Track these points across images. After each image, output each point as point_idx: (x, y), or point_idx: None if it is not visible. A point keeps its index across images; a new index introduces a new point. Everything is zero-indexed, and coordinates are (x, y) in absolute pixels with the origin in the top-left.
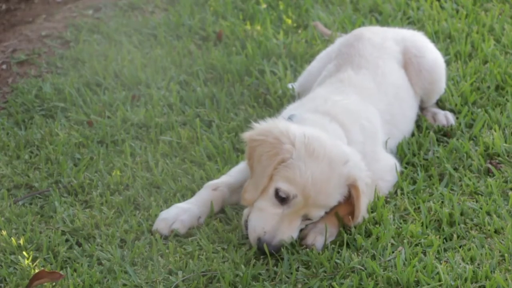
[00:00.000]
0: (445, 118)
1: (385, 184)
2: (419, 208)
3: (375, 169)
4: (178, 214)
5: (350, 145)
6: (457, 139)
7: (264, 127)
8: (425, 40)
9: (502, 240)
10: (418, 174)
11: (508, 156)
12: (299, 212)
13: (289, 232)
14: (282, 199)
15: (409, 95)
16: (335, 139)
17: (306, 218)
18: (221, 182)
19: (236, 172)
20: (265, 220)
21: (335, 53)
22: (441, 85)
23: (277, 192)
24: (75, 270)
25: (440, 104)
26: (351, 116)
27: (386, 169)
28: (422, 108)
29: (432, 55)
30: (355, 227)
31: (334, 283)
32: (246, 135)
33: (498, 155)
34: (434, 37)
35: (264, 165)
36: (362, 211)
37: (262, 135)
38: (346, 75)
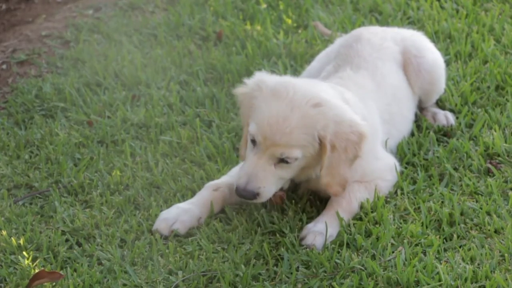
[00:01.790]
0: (445, 118)
1: (385, 184)
2: (419, 208)
3: (375, 168)
4: (179, 214)
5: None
6: (457, 139)
7: (249, 83)
8: (424, 40)
9: (502, 240)
10: (418, 174)
11: (508, 156)
12: (265, 154)
13: (263, 177)
14: (253, 142)
15: (407, 96)
16: (338, 97)
17: (279, 160)
18: (222, 182)
19: (236, 172)
20: (241, 168)
21: (334, 54)
22: (441, 85)
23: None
24: (75, 270)
25: (440, 104)
26: (353, 100)
27: (385, 168)
28: (422, 108)
29: (432, 55)
30: (354, 227)
31: (334, 283)
32: (237, 91)
33: (498, 155)
34: (434, 37)
35: (242, 114)
36: (326, 169)
37: (245, 88)
38: (346, 74)
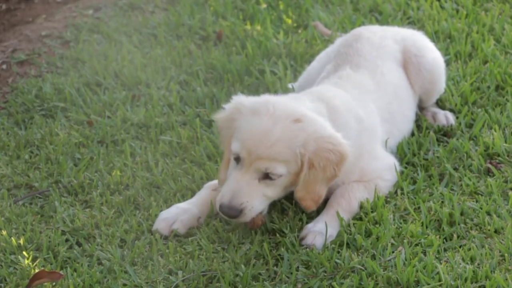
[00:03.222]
0: (445, 118)
1: (384, 184)
2: (419, 208)
3: (374, 168)
4: (178, 214)
5: (338, 128)
6: (457, 139)
7: (227, 107)
8: (425, 40)
9: (502, 240)
10: (418, 174)
11: (508, 156)
12: (249, 169)
13: (248, 192)
14: (236, 159)
15: (408, 95)
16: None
17: (263, 176)
18: None
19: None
20: (225, 186)
21: (334, 54)
22: (441, 84)
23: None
24: (75, 270)
25: (440, 104)
26: (346, 104)
27: (385, 168)
28: (422, 108)
29: (432, 55)
30: (354, 227)
31: (334, 283)
32: (216, 118)
33: (498, 155)
34: (434, 37)
35: (223, 138)
36: (302, 184)
37: (224, 114)
38: (345, 73)
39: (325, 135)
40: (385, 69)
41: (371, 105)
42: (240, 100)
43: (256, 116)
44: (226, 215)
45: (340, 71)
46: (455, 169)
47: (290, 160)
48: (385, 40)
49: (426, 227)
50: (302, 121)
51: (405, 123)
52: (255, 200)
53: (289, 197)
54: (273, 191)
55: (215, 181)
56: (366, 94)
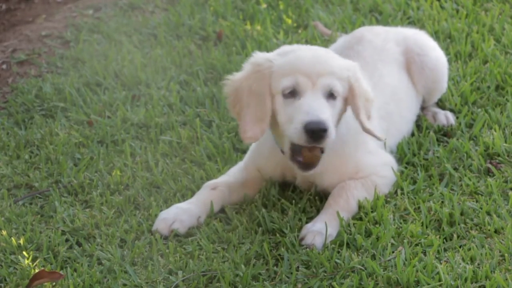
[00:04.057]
0: (445, 117)
1: (382, 181)
2: (419, 208)
3: (368, 162)
4: (178, 214)
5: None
6: (457, 139)
7: (239, 73)
8: (427, 39)
9: (502, 240)
10: (418, 174)
11: (508, 156)
12: (314, 89)
13: (324, 108)
14: (291, 94)
15: (408, 97)
16: None
17: (329, 94)
18: (220, 181)
19: (234, 172)
20: (295, 115)
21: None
22: (444, 83)
23: (285, 94)
24: (75, 270)
25: (440, 104)
26: None
27: (380, 164)
28: (422, 108)
29: (435, 53)
30: (354, 227)
31: (334, 283)
32: (227, 88)
33: (498, 155)
34: (434, 37)
35: (258, 91)
36: (361, 111)
37: (242, 76)
38: None
39: (356, 66)
40: (384, 72)
41: None
42: (257, 55)
43: (290, 52)
44: (315, 132)
45: None
46: (455, 169)
47: (343, 78)
48: (388, 44)
49: (426, 227)
50: (340, 59)
51: (404, 124)
52: (329, 117)
53: (290, 196)
54: (334, 115)
55: (215, 181)
56: None
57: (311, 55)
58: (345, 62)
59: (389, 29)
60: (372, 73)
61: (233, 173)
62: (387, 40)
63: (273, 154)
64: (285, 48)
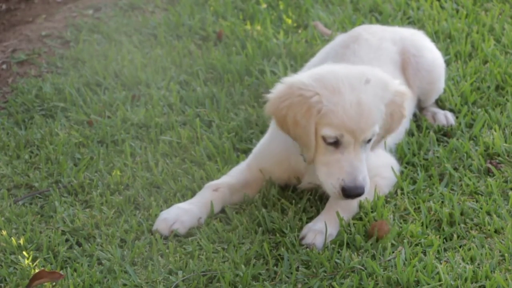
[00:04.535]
0: (445, 118)
1: (384, 182)
2: (419, 208)
3: (372, 164)
4: (179, 214)
5: None
6: (457, 139)
7: (280, 92)
8: (424, 39)
9: (502, 240)
10: (418, 174)
11: (508, 156)
12: (356, 145)
13: (362, 165)
14: (334, 144)
15: None
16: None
17: (365, 143)
18: (222, 182)
19: (236, 173)
20: (334, 170)
21: (332, 52)
22: (440, 85)
23: (326, 140)
24: (75, 270)
25: (440, 104)
26: None
27: (382, 165)
28: (421, 108)
29: (431, 55)
30: (354, 227)
31: (334, 283)
32: (268, 109)
33: (498, 155)
34: (434, 37)
35: (304, 124)
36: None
37: (285, 100)
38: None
39: (390, 83)
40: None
41: None
42: (302, 81)
43: (339, 95)
44: (353, 196)
45: None
46: (455, 169)
47: (381, 117)
48: (384, 43)
49: (426, 227)
50: (370, 80)
51: None
52: (365, 170)
53: (290, 196)
54: (367, 152)
55: (216, 181)
56: None
57: (355, 109)
58: (394, 91)
59: (386, 28)
60: None
61: (235, 174)
62: (383, 39)
63: (285, 159)
64: (322, 72)
